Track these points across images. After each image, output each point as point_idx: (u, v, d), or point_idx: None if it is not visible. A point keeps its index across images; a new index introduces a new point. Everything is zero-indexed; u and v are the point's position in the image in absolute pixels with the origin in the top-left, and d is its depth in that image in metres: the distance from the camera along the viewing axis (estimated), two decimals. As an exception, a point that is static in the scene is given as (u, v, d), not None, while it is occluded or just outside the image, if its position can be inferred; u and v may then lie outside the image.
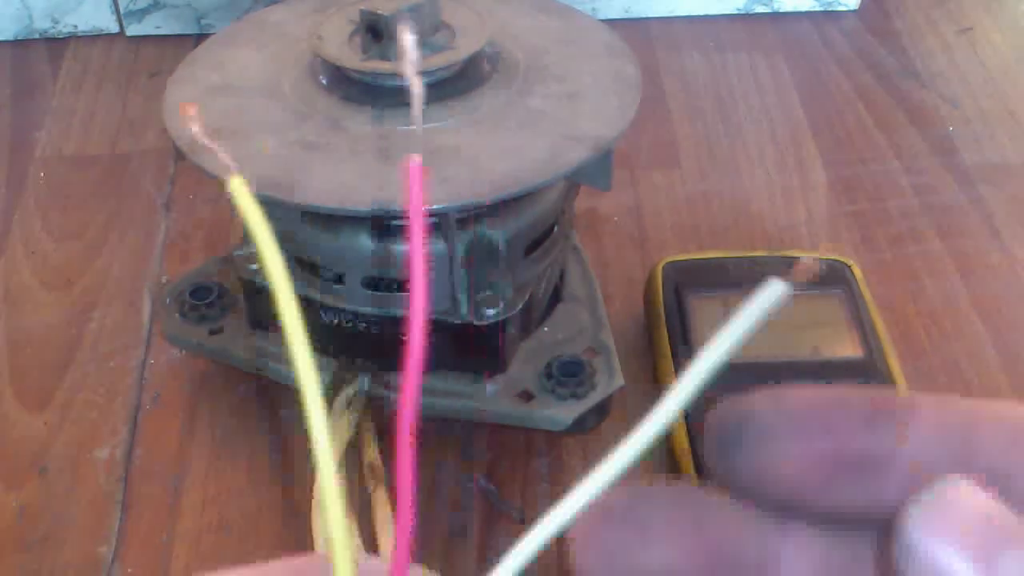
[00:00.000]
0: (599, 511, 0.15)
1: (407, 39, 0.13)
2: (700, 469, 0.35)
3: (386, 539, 0.33)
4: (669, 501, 0.15)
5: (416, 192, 0.13)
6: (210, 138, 0.14)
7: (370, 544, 0.34)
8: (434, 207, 0.31)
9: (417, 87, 0.13)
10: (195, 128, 0.14)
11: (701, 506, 0.15)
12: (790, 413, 0.14)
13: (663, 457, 0.37)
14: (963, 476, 0.12)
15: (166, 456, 0.38)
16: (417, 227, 0.13)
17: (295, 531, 0.36)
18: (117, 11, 0.60)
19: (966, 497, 0.12)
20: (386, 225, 0.34)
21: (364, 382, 0.37)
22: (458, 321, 0.35)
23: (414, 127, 0.13)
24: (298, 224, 0.35)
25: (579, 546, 0.15)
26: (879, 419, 0.14)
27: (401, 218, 0.34)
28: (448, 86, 0.35)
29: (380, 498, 0.35)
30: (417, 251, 0.13)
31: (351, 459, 0.36)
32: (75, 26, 0.60)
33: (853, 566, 0.15)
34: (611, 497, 0.14)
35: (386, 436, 0.37)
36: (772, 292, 0.14)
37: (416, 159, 0.13)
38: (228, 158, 0.14)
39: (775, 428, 0.14)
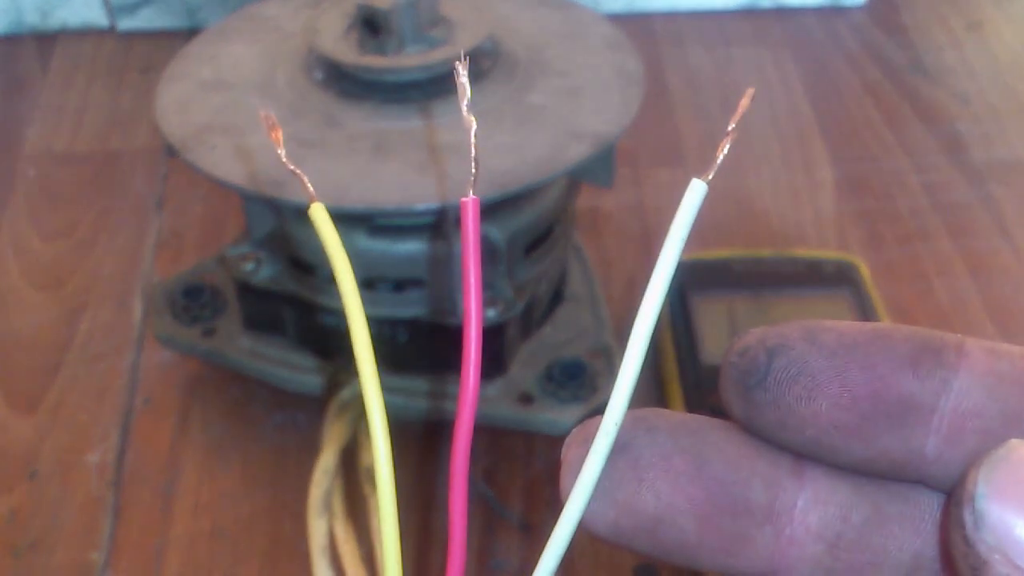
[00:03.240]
0: (582, 437, 0.14)
1: (464, 82, 0.13)
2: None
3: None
4: (669, 434, 0.14)
5: (472, 227, 0.13)
6: (290, 163, 0.14)
7: (367, 550, 0.34)
8: (432, 206, 0.31)
9: (472, 125, 0.13)
10: (280, 151, 0.14)
11: (705, 442, 0.14)
12: (826, 348, 0.13)
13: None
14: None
15: (158, 460, 0.38)
16: (474, 262, 0.13)
17: (290, 536, 0.35)
18: (108, 5, 0.59)
19: None
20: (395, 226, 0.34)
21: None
22: (456, 322, 0.35)
23: (472, 172, 0.13)
24: (293, 223, 0.35)
25: (567, 481, 0.14)
26: (924, 362, 0.12)
27: (395, 216, 0.34)
28: (446, 82, 0.34)
29: (377, 504, 0.34)
30: (473, 289, 0.13)
31: (348, 463, 0.36)
32: (65, 21, 0.59)
33: (874, 524, 0.13)
34: (594, 423, 0.14)
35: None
36: (696, 191, 0.13)
37: (471, 195, 0.13)
38: (309, 184, 0.13)
39: (808, 364, 0.13)
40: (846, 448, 0.13)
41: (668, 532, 0.14)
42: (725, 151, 0.13)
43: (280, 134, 0.14)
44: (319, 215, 0.13)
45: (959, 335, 0.13)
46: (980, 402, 0.12)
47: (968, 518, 0.11)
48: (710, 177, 0.13)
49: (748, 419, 0.13)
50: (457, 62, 0.13)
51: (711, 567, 0.14)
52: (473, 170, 0.13)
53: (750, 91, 0.13)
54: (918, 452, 0.13)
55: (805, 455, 0.13)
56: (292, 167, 0.14)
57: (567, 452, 0.14)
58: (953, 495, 0.11)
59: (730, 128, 0.13)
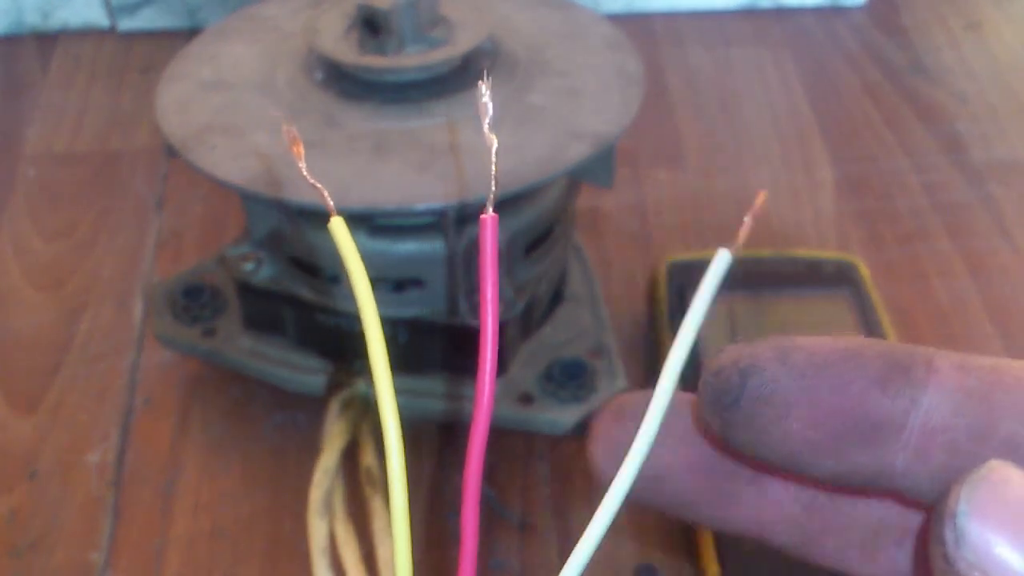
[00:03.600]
0: (615, 410, 0.15)
1: (486, 101, 0.13)
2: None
3: (384, 548, 0.32)
4: (675, 407, 0.15)
5: (490, 244, 0.13)
6: (311, 176, 0.14)
7: (366, 553, 0.34)
8: (432, 206, 0.31)
9: (494, 143, 0.13)
10: (302, 165, 0.14)
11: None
12: (796, 369, 0.13)
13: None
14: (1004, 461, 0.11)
15: (158, 460, 0.38)
16: (491, 279, 0.13)
17: (290, 537, 0.35)
18: (108, 5, 0.59)
19: (1017, 482, 0.11)
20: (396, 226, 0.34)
21: (362, 385, 0.36)
22: (457, 322, 0.35)
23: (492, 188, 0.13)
24: (293, 224, 0.35)
25: (594, 441, 0.15)
26: (894, 380, 0.13)
27: (395, 216, 0.34)
28: (446, 82, 0.34)
29: (378, 506, 0.34)
30: (490, 304, 0.13)
31: (348, 464, 0.36)
32: (66, 21, 0.59)
33: (842, 491, 0.15)
34: (627, 398, 0.15)
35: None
36: (721, 260, 0.14)
37: (491, 211, 0.13)
38: (329, 198, 0.14)
39: (780, 385, 0.13)
40: (818, 464, 0.13)
41: (669, 488, 0.15)
42: (744, 236, 0.14)
43: (301, 148, 0.14)
44: (339, 230, 0.13)
45: (930, 349, 0.13)
46: (947, 418, 0.13)
47: (949, 536, 0.11)
48: (737, 247, 0.14)
49: (725, 436, 0.14)
50: (480, 82, 0.13)
51: (707, 522, 0.16)
52: (493, 187, 0.13)
53: (763, 193, 0.15)
54: (889, 467, 0.13)
55: (780, 469, 0.14)
56: (312, 180, 0.14)
57: (597, 425, 0.15)
58: (934, 512, 0.11)
59: (745, 219, 0.14)
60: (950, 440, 0.12)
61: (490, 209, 0.13)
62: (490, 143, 0.13)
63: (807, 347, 0.13)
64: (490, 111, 0.13)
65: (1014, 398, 0.12)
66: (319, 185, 0.14)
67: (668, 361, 0.14)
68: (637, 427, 0.14)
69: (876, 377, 0.13)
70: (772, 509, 0.15)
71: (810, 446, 0.13)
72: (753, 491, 0.15)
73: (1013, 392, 0.12)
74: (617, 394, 0.16)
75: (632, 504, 0.15)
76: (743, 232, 0.14)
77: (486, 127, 0.13)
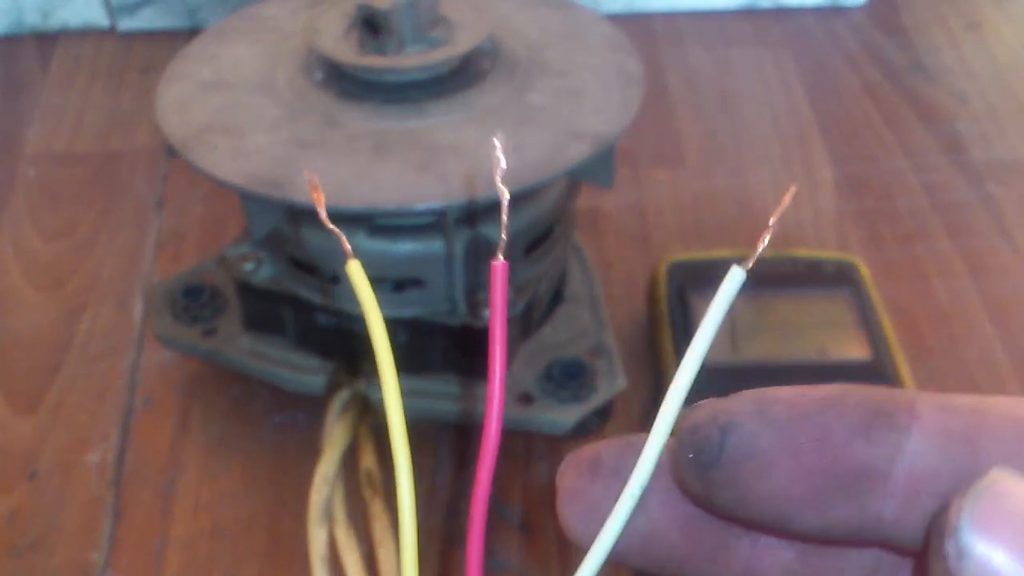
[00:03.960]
0: (587, 464, 0.14)
1: (500, 155, 0.13)
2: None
3: (384, 552, 0.32)
4: (663, 457, 0.14)
5: (500, 292, 0.13)
6: (329, 222, 0.14)
7: (367, 556, 0.34)
8: (432, 206, 0.31)
9: (505, 195, 0.13)
10: (321, 210, 0.14)
11: None
12: (777, 422, 0.13)
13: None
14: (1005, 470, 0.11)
15: (158, 460, 0.38)
16: (500, 324, 0.13)
17: (290, 537, 0.35)
18: (108, 5, 0.59)
19: (1020, 493, 0.11)
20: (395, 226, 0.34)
21: (361, 385, 0.36)
22: (456, 322, 0.35)
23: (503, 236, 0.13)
24: (293, 223, 0.35)
25: (565, 499, 0.14)
26: (876, 427, 0.12)
27: (395, 216, 0.34)
28: (446, 82, 0.34)
29: (378, 509, 0.34)
30: (498, 348, 0.13)
31: (348, 466, 0.36)
32: (66, 21, 0.59)
33: (831, 552, 0.14)
34: (600, 449, 0.14)
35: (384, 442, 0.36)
36: (735, 278, 0.13)
37: (501, 260, 0.13)
38: (346, 241, 0.14)
39: (760, 440, 0.13)
40: (804, 519, 0.13)
41: (658, 547, 0.14)
42: (765, 243, 0.13)
43: (322, 196, 0.14)
44: (356, 273, 0.14)
45: (911, 392, 0.13)
46: (933, 463, 0.12)
47: (951, 551, 0.10)
48: (750, 265, 0.13)
49: (706, 497, 0.13)
50: (494, 137, 0.13)
51: None
52: (504, 236, 0.13)
53: (792, 189, 0.14)
54: (876, 517, 0.12)
55: (765, 527, 0.13)
56: (331, 226, 0.14)
57: (561, 479, 0.14)
58: (935, 526, 0.11)
59: (771, 222, 0.13)
60: (938, 486, 0.12)
61: (500, 256, 0.13)
62: (502, 195, 0.13)
63: (786, 399, 0.13)
64: (503, 164, 0.13)
65: (998, 438, 0.12)
66: (338, 230, 0.14)
67: (671, 389, 0.13)
68: (619, 485, 0.13)
69: (859, 425, 0.12)
70: (766, 557, 0.14)
71: (795, 502, 0.13)
72: (747, 541, 0.14)
73: (996, 432, 0.12)
74: (582, 446, 0.15)
75: (614, 567, 0.14)
76: (764, 236, 0.13)
77: (498, 180, 0.13)
